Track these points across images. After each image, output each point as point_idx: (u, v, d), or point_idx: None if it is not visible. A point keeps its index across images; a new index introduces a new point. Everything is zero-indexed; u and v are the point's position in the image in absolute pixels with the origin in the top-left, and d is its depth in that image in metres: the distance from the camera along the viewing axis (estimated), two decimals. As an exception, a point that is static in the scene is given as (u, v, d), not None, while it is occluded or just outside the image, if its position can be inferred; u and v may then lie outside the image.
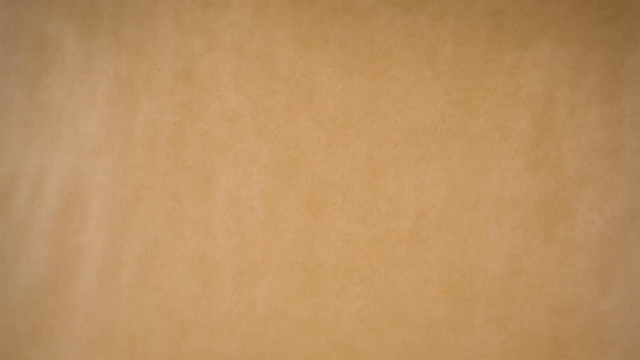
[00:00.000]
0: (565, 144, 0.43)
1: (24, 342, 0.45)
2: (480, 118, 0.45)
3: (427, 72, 0.45)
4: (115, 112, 0.47)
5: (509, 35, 0.44)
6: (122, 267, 0.46)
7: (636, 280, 0.42)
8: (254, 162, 0.45)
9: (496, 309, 0.43)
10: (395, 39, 0.45)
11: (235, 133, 0.45)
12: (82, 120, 0.47)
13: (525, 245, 0.43)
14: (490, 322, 0.43)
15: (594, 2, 0.43)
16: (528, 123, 0.44)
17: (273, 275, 0.44)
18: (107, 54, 0.47)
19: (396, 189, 0.44)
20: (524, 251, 0.43)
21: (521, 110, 0.44)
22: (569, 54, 0.44)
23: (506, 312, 0.43)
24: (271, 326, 0.44)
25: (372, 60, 0.45)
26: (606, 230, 0.42)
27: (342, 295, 0.44)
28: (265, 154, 0.45)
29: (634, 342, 0.41)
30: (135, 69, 0.47)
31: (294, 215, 0.45)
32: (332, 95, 0.45)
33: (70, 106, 0.47)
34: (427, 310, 0.44)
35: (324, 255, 0.44)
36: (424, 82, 0.45)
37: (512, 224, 0.43)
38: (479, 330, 0.43)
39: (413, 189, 0.44)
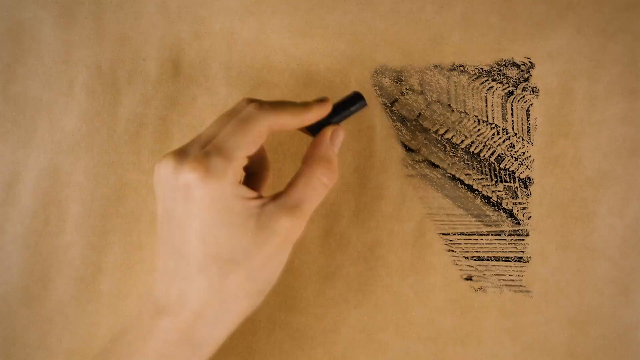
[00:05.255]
0: (584, 142, 0.40)
1: (-6, 356, 0.42)
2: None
3: (433, 61, 0.42)
4: (96, 106, 0.44)
5: (522, 24, 0.41)
6: (103, 273, 0.42)
7: (659, 289, 0.39)
8: (245, 159, 0.42)
9: (507, 319, 0.40)
10: (399, 27, 0.42)
11: (226, 128, 0.42)
12: (59, 114, 0.44)
13: (540, 251, 0.40)
14: (501, 334, 0.40)
15: (614, -13, 0.40)
16: (543, 118, 0.41)
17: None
18: (86, 43, 0.44)
19: (399, 188, 0.41)
20: (538, 257, 0.40)
21: (535, 105, 0.41)
22: (587, 44, 0.41)
23: (518, 322, 0.40)
24: (264, 337, 0.41)
25: (375, 49, 0.42)
26: (628, 235, 0.40)
27: (340, 303, 0.41)
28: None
29: (661, 358, 0.39)
30: (117, 58, 0.44)
31: (289, 217, 0.42)
32: (331, 87, 0.42)
33: (47, 99, 0.44)
34: (432, 320, 0.41)
35: (321, 261, 0.41)
36: (430, 73, 0.42)
37: (526, 228, 0.41)
38: (488, 342, 0.40)
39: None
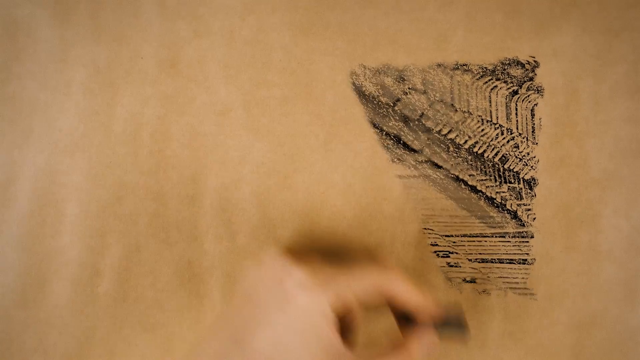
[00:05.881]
0: (589, 142, 0.40)
1: (-11, 360, 0.41)
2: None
3: (436, 60, 0.41)
4: (93, 105, 0.43)
5: (526, 22, 0.41)
6: (100, 276, 0.42)
7: (665, 291, 0.39)
8: (245, 160, 0.42)
9: (512, 322, 0.40)
10: (401, 25, 0.41)
11: (225, 128, 0.42)
12: (56, 114, 0.43)
13: (544, 253, 0.40)
14: (505, 337, 0.40)
15: (620, -15, 0.40)
16: (548, 118, 0.40)
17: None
18: (84, 41, 0.43)
19: (402, 189, 0.41)
20: (542, 259, 0.40)
21: (540, 104, 0.40)
22: (592, 43, 0.40)
23: (523, 325, 0.40)
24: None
25: (376, 47, 0.41)
26: (633, 236, 0.39)
27: (342, 306, 0.40)
28: (258, 151, 0.42)
29: (668, 362, 0.38)
30: (115, 57, 0.43)
31: (289, 219, 0.41)
32: (332, 86, 0.41)
33: (44, 98, 0.43)
34: (435, 323, 0.40)
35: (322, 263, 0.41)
36: (433, 72, 0.41)
37: (530, 229, 0.40)
38: (492, 346, 0.40)
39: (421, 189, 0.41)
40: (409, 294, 0.33)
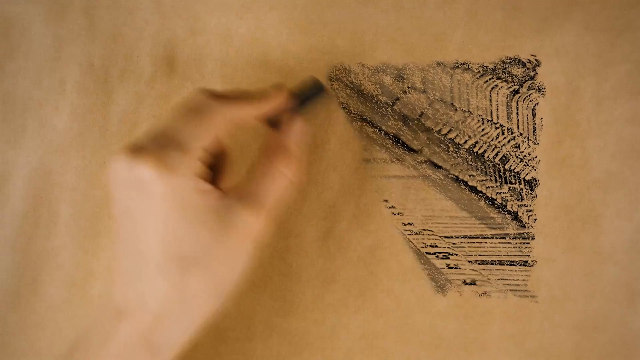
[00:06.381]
0: (591, 142, 0.39)
1: (-19, 363, 0.41)
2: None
3: (436, 59, 0.40)
4: (88, 104, 0.42)
5: (528, 20, 0.40)
6: (95, 277, 0.41)
7: (667, 294, 0.38)
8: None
9: (512, 325, 0.39)
10: (400, 23, 0.41)
11: (222, 127, 0.41)
12: (50, 113, 0.43)
13: (545, 255, 0.39)
14: (505, 340, 0.39)
15: (623, -17, 0.39)
16: (549, 118, 0.40)
17: (263, 286, 0.40)
18: (78, 39, 0.43)
19: (401, 189, 0.40)
20: (543, 261, 0.39)
21: (541, 104, 0.40)
22: (595, 41, 0.39)
23: (524, 328, 0.39)
24: (261, 343, 0.40)
25: (375, 46, 0.41)
26: (636, 238, 0.38)
27: (340, 308, 0.40)
28: (255, 152, 0.41)
29: (671, 366, 0.38)
30: (110, 55, 0.43)
31: (286, 220, 0.41)
32: (330, 85, 0.41)
33: (37, 96, 0.43)
34: (435, 326, 0.40)
35: (319, 264, 0.40)
36: (433, 70, 0.41)
37: (531, 231, 0.39)
38: (492, 349, 0.39)
39: (420, 189, 0.40)
40: (249, 105, 0.32)
